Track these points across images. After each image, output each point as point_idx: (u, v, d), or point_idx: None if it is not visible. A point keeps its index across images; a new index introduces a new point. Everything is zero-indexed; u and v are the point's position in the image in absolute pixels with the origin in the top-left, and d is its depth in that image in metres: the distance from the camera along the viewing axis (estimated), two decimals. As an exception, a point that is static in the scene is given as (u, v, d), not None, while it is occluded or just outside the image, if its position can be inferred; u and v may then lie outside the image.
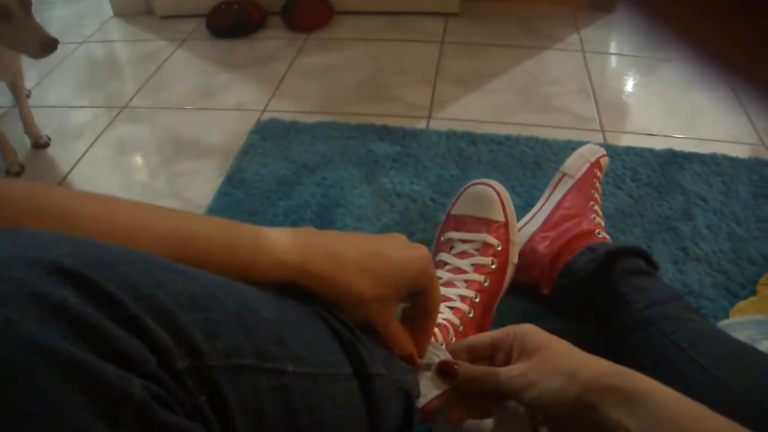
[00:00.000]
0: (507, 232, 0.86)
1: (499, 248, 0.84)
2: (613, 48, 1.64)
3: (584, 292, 0.83)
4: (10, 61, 1.27)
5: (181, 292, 0.35)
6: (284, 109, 1.43)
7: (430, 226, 1.05)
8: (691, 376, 0.66)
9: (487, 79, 1.50)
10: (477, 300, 0.80)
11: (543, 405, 0.50)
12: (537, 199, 1.00)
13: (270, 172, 1.21)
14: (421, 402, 0.56)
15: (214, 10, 1.78)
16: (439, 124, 1.34)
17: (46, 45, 1.14)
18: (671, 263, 0.97)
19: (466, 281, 0.82)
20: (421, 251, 0.54)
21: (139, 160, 1.34)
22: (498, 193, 0.87)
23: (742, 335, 0.74)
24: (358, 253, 0.50)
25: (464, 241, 0.85)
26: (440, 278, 0.83)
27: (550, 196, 0.97)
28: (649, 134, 1.29)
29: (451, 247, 0.86)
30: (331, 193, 1.15)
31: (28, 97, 1.48)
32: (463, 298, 0.80)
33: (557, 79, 1.49)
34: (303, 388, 0.41)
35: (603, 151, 1.00)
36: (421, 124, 1.34)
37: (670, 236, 1.02)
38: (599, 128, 1.31)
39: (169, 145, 1.35)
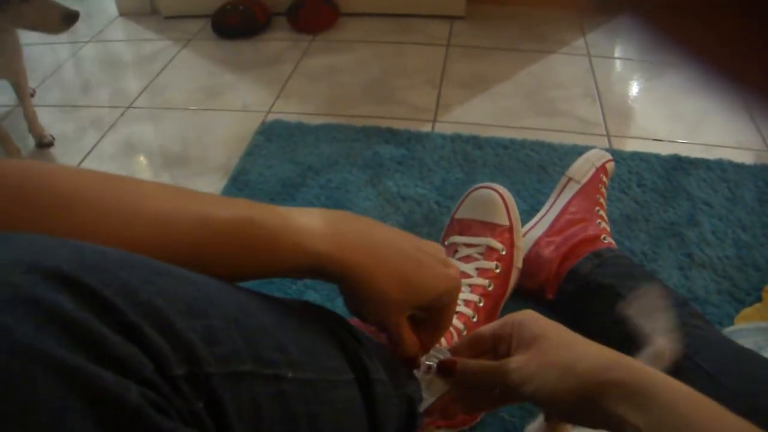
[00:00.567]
0: (511, 237, 0.86)
1: (504, 252, 0.84)
2: (618, 52, 1.64)
3: (589, 298, 0.83)
4: (11, 57, 1.26)
5: (181, 299, 0.34)
6: (289, 111, 1.42)
7: (435, 229, 1.05)
8: (697, 383, 0.65)
9: (492, 83, 1.49)
10: (481, 304, 0.80)
11: (543, 398, 0.48)
12: (542, 203, 0.99)
13: (275, 173, 1.21)
14: (423, 406, 0.56)
15: (220, 10, 1.77)
16: (444, 128, 1.33)
17: (68, 17, 1.15)
18: (677, 269, 0.97)
19: (470, 285, 0.81)
20: (455, 272, 0.54)
21: (143, 160, 1.34)
22: (502, 197, 0.86)
23: (747, 342, 0.74)
24: (394, 252, 0.49)
25: (468, 245, 0.85)
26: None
27: (555, 200, 0.96)
28: (654, 139, 1.28)
29: (455, 252, 0.85)
30: (335, 195, 1.15)
31: (32, 96, 1.48)
32: (467, 302, 0.80)
33: (563, 83, 1.48)
34: (302, 394, 0.41)
35: (609, 156, 1.00)
36: (426, 127, 1.34)
37: (676, 242, 1.01)
38: (605, 133, 1.31)
39: (174, 145, 1.35)
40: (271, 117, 1.40)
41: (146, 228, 0.39)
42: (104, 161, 1.32)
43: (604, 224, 0.92)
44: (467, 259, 0.84)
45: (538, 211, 0.98)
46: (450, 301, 0.54)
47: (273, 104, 1.45)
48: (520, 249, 0.87)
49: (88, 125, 1.43)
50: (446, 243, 0.88)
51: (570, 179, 0.97)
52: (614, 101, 1.41)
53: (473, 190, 0.88)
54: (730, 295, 0.93)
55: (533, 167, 1.19)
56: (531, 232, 0.94)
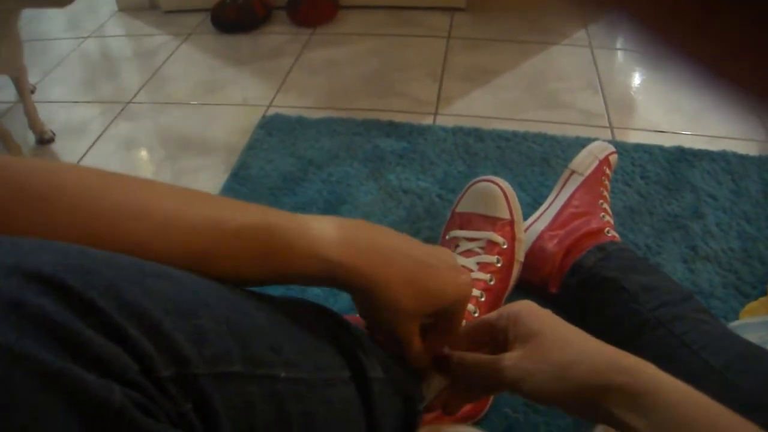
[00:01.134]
0: (513, 230, 0.85)
1: (505, 246, 0.83)
2: (620, 44, 1.63)
3: (593, 291, 0.82)
4: (11, 52, 1.26)
5: (170, 299, 0.34)
6: (290, 105, 1.42)
7: (437, 223, 1.04)
8: (703, 378, 0.65)
9: (494, 75, 1.48)
10: (483, 299, 0.79)
11: (539, 397, 0.47)
12: (545, 196, 0.99)
13: (275, 168, 1.21)
14: (423, 403, 0.56)
15: (219, 4, 1.77)
16: (445, 120, 1.32)
17: None
18: (681, 262, 0.96)
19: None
20: (467, 278, 0.53)
21: (144, 155, 1.33)
22: (503, 190, 0.86)
23: (752, 337, 0.73)
24: (407, 260, 0.48)
25: (469, 240, 0.84)
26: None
27: (558, 193, 0.96)
28: (658, 131, 1.27)
29: (456, 246, 0.85)
30: (337, 189, 1.14)
31: (32, 92, 1.47)
32: (469, 297, 0.79)
33: (565, 75, 1.47)
34: (297, 393, 0.40)
35: (612, 149, 0.99)
36: (427, 120, 1.33)
37: (680, 235, 1.01)
38: (607, 125, 1.30)
39: (174, 140, 1.34)
40: (271, 111, 1.39)
41: (155, 229, 0.38)
42: (105, 157, 1.31)
43: (607, 217, 0.92)
44: (468, 253, 0.83)
45: (541, 204, 0.98)
46: (461, 308, 0.53)
47: (273, 98, 1.45)
48: (521, 242, 0.86)
49: (88, 121, 1.43)
50: (447, 237, 0.87)
51: (573, 172, 0.96)
52: (617, 93, 1.40)
53: (473, 184, 0.88)
54: (735, 288, 0.92)
55: (536, 160, 1.18)
56: (534, 226, 0.93)
